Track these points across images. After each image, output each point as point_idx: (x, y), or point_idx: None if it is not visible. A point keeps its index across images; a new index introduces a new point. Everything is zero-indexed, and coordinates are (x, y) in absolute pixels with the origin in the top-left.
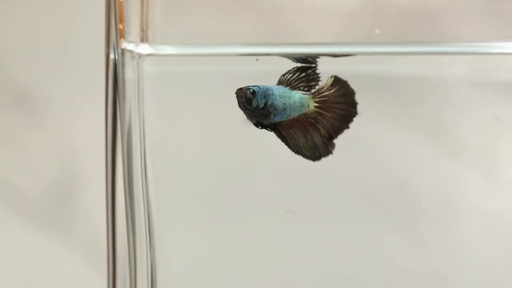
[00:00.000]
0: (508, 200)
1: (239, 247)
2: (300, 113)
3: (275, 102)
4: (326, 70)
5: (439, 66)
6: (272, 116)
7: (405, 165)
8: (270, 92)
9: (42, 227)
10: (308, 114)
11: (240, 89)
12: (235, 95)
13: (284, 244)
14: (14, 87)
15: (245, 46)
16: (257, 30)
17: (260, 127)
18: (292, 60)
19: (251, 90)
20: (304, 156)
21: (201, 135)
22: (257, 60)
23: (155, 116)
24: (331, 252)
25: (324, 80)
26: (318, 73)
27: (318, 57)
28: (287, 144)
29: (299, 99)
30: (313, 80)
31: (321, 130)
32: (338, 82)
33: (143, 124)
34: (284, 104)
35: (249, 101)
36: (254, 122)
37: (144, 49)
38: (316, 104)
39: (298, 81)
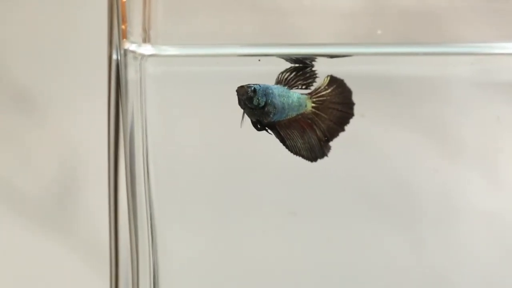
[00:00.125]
0: (508, 200)
1: (240, 248)
2: (298, 113)
3: (275, 101)
4: (327, 70)
5: (440, 67)
6: (271, 115)
7: (407, 166)
8: (270, 91)
9: (42, 227)
10: (305, 114)
11: (241, 86)
12: (236, 93)
13: (285, 244)
14: (14, 87)
15: (246, 47)
16: (259, 31)
17: (258, 127)
18: (290, 62)
19: (252, 88)
20: (303, 156)
21: (203, 136)
22: (259, 60)
23: (158, 117)
24: (333, 252)
25: (322, 80)
26: (315, 72)
27: (315, 59)
28: (285, 144)
29: (297, 99)
30: (310, 77)
31: (317, 132)
32: (334, 81)
33: (146, 125)
34: (282, 103)
35: (250, 99)
36: (254, 120)
37: (146, 49)
38: (313, 105)
39: (296, 79)
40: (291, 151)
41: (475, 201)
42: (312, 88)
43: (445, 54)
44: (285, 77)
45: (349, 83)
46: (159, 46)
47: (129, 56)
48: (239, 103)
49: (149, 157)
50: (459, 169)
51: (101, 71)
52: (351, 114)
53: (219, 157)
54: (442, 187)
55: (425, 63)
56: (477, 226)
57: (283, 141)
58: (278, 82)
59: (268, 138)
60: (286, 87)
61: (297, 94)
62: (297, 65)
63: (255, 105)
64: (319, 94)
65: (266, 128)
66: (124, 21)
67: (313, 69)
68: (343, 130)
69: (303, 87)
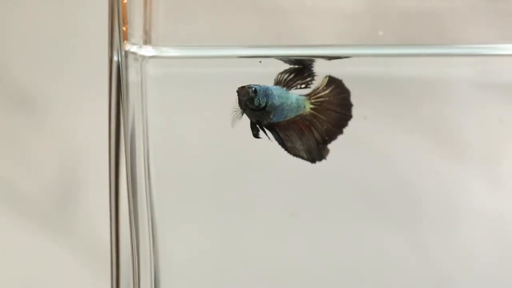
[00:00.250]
0: (510, 201)
1: (241, 249)
2: (297, 114)
3: (274, 102)
4: (327, 72)
5: (442, 68)
6: (271, 116)
7: (408, 167)
8: (270, 92)
9: (42, 227)
10: (304, 116)
11: (243, 87)
12: (237, 94)
13: (286, 245)
14: (15, 87)
15: (247, 48)
16: (260, 32)
17: (257, 129)
18: (289, 63)
19: (253, 88)
20: (302, 158)
21: (204, 137)
22: (260, 62)
23: (158, 118)
24: (333, 253)
25: (320, 80)
26: (314, 73)
27: (314, 61)
28: (284, 146)
29: (295, 100)
30: (309, 76)
31: (316, 134)
32: (333, 81)
33: (146, 126)
34: (282, 104)
35: (251, 99)
36: (254, 121)
37: (147, 51)
38: (312, 106)
39: (295, 80)
40: (290, 153)
41: (476, 202)
42: (311, 88)
43: (447, 55)
44: (284, 78)
45: (350, 85)
46: (160, 47)
47: (130, 57)
48: (239, 104)
49: (150, 158)
50: (461, 170)
51: (102, 72)
52: (349, 116)
53: (220, 158)
54: (443, 188)
55: (427, 64)
56: (478, 227)
57: (282, 143)
58: (277, 82)
59: (270, 139)
60: (284, 88)
61: (295, 96)
62: (296, 66)
63: (256, 106)
64: (317, 95)
65: (265, 131)
66: (125, 22)
67: (313, 70)
68: (341, 132)
69: (302, 86)
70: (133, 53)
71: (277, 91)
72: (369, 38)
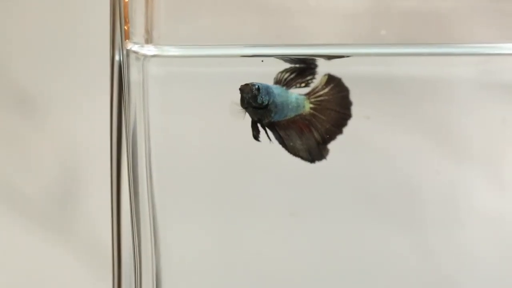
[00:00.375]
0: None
1: (242, 248)
2: (296, 113)
3: (276, 100)
4: (328, 71)
5: (444, 67)
6: (272, 114)
7: (409, 167)
8: (271, 90)
9: (43, 227)
10: (303, 116)
11: (246, 85)
12: (240, 91)
13: (288, 245)
14: (15, 87)
15: (249, 47)
16: (262, 31)
17: (258, 129)
18: (289, 62)
19: (256, 86)
20: (302, 158)
21: (206, 136)
22: (262, 61)
23: (160, 117)
24: (334, 253)
25: (319, 79)
26: (314, 72)
27: (316, 60)
28: (284, 145)
29: (295, 99)
30: (309, 74)
31: (315, 134)
32: (332, 80)
33: (148, 125)
34: (282, 103)
35: (255, 97)
36: (256, 119)
37: (149, 50)
38: (311, 105)
39: (295, 79)
40: (290, 152)
41: (477, 202)
42: (310, 87)
43: (449, 54)
44: (285, 77)
45: (351, 84)
46: (162, 46)
47: (132, 56)
48: (242, 102)
49: (151, 158)
50: (463, 170)
51: (102, 71)
52: (348, 115)
53: (221, 157)
54: (444, 188)
55: (428, 64)
56: (479, 227)
57: (282, 142)
58: (277, 81)
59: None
60: (284, 88)
61: (295, 95)
62: (297, 65)
63: (259, 104)
64: (316, 94)
65: (266, 129)
66: (126, 21)
67: (315, 69)
68: (341, 132)
69: (302, 84)
70: (135, 52)
71: (277, 90)
72: (370, 37)
